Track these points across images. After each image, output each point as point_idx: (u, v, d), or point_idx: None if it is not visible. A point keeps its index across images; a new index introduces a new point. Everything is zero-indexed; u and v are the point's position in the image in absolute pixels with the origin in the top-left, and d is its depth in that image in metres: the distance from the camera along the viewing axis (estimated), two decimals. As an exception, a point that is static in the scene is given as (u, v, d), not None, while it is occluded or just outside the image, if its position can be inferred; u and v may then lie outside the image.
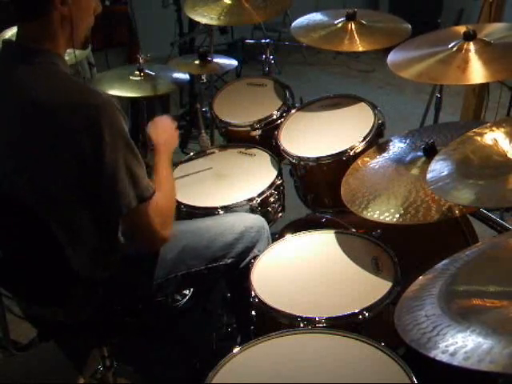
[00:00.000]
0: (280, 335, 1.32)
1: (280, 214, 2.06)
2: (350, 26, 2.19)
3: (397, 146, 1.76)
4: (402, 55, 1.94)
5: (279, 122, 2.21)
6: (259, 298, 1.49)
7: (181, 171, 2.12)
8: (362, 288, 1.49)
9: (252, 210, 1.90)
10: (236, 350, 1.29)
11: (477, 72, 1.71)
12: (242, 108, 2.35)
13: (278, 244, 1.71)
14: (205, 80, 2.62)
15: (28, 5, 1.30)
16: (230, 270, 1.67)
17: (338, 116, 2.14)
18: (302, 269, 1.60)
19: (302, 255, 1.66)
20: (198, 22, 2.72)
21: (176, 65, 2.53)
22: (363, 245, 1.66)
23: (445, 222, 1.43)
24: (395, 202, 1.49)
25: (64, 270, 1.41)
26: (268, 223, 1.87)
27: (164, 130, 1.78)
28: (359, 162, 1.77)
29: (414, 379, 1.14)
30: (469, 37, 1.81)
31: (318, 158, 1.95)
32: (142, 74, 2.38)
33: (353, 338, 1.28)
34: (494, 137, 1.31)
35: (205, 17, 2.44)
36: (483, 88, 2.95)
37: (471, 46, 1.79)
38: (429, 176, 1.30)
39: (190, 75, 2.55)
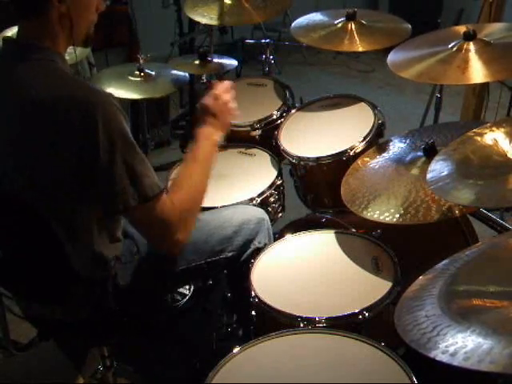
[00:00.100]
0: (280, 335, 1.32)
1: (280, 214, 2.05)
2: (349, 25, 2.19)
3: (397, 146, 1.76)
4: (402, 55, 1.94)
5: (279, 121, 2.21)
6: (259, 298, 1.49)
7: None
8: (362, 288, 1.49)
9: (252, 210, 1.89)
10: (236, 349, 1.29)
11: (477, 72, 1.71)
12: (241, 108, 2.33)
13: (278, 244, 1.71)
14: (205, 80, 2.62)
15: (26, 3, 1.30)
16: (231, 263, 1.65)
17: (338, 116, 2.14)
18: (302, 269, 1.60)
19: (302, 255, 1.66)
20: (198, 22, 2.72)
21: (176, 65, 2.54)
22: (363, 245, 1.66)
23: (445, 222, 1.43)
24: (395, 201, 1.49)
25: (64, 268, 1.41)
26: (268, 223, 1.87)
27: (223, 101, 1.67)
28: (359, 161, 1.77)
29: (414, 379, 1.14)
30: (469, 37, 1.81)
31: (318, 158, 1.95)
32: (142, 74, 2.38)
33: (353, 338, 1.28)
34: (493, 137, 1.31)
35: (205, 17, 2.44)
36: (483, 88, 2.95)
37: (471, 46, 1.80)
38: (429, 176, 1.30)
39: (190, 75, 2.55)
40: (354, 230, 1.79)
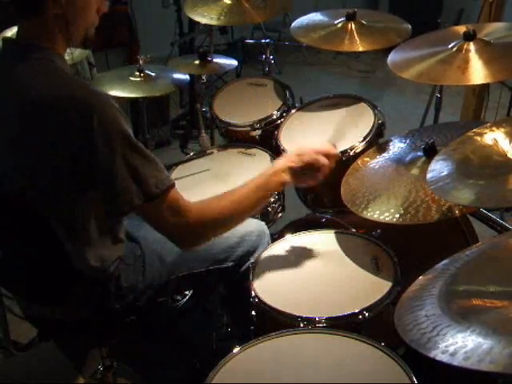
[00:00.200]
0: (280, 335, 1.32)
1: (280, 214, 2.05)
2: (349, 25, 2.19)
3: (397, 146, 1.76)
4: (403, 55, 1.93)
5: (279, 122, 2.21)
6: (259, 298, 1.49)
7: (181, 172, 2.12)
8: (361, 288, 1.49)
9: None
10: (236, 349, 1.29)
11: (477, 72, 1.71)
12: (241, 108, 2.35)
13: (278, 244, 1.71)
14: (205, 80, 2.62)
15: (25, 3, 1.30)
16: (230, 274, 1.67)
17: (338, 116, 2.14)
18: (301, 269, 1.60)
19: (302, 255, 1.66)
20: (198, 22, 2.72)
21: (176, 65, 2.53)
22: (363, 245, 1.66)
23: (445, 222, 1.43)
24: (395, 201, 1.49)
25: (64, 268, 1.41)
26: (268, 223, 1.87)
27: (318, 160, 1.53)
28: (359, 162, 1.77)
29: (414, 379, 1.14)
30: (469, 37, 1.81)
31: (318, 158, 1.95)
32: (142, 75, 2.38)
33: (353, 338, 1.28)
34: (494, 137, 1.31)
35: (205, 17, 2.45)
36: (483, 88, 2.95)
37: (471, 45, 1.79)
38: (429, 176, 1.30)
39: (190, 75, 2.55)
40: (353, 230, 1.79)
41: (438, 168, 1.31)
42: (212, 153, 2.24)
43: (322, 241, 1.71)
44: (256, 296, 1.50)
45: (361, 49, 2.13)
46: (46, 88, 1.26)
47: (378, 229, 1.72)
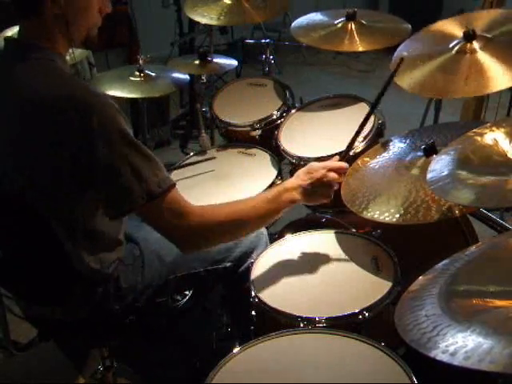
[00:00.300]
0: (280, 335, 1.32)
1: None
2: (349, 25, 2.19)
3: (397, 146, 1.76)
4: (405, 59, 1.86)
5: (279, 122, 2.21)
6: (259, 298, 1.49)
7: (181, 173, 2.12)
8: (361, 288, 1.49)
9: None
10: (236, 349, 1.29)
11: (494, 80, 1.59)
12: (241, 108, 2.35)
13: (278, 244, 1.71)
14: (205, 80, 2.62)
15: (25, 3, 1.30)
16: (229, 274, 1.67)
17: (338, 116, 2.14)
18: (301, 269, 1.60)
19: (301, 255, 1.66)
20: (198, 22, 2.72)
21: (176, 65, 2.54)
22: (363, 245, 1.66)
23: (445, 222, 1.43)
24: (395, 201, 1.49)
25: (64, 268, 1.41)
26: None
27: (329, 176, 1.54)
28: (359, 162, 1.77)
29: (414, 379, 1.14)
30: (469, 37, 1.78)
31: (318, 158, 1.94)
32: (142, 75, 2.38)
33: (353, 338, 1.28)
34: (494, 137, 1.30)
35: (205, 17, 2.45)
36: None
37: (474, 45, 1.70)
38: (429, 176, 1.30)
39: (190, 75, 2.55)
40: (354, 230, 1.79)
41: (438, 168, 1.31)
42: (214, 158, 2.22)
43: (322, 241, 1.71)
44: (256, 296, 1.50)
45: (361, 49, 2.13)
46: (46, 88, 1.26)
47: (378, 229, 1.72)
